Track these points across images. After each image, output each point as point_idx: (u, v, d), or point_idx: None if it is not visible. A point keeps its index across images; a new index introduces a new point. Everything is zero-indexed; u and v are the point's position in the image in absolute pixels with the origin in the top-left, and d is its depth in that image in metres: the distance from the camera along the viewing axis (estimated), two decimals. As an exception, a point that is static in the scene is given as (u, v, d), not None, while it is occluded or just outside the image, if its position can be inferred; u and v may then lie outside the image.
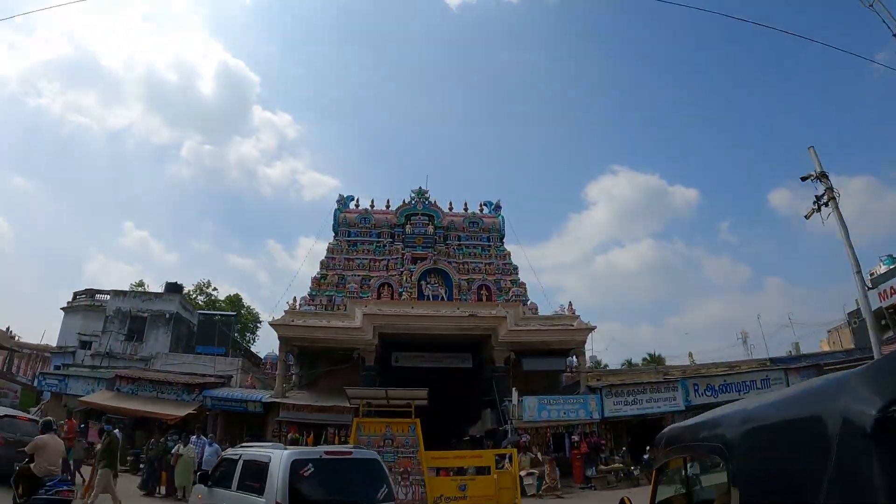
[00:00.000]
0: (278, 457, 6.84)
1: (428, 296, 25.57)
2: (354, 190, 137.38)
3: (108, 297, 31.28)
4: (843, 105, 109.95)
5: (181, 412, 22.94)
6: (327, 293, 31.13)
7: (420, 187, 38.69)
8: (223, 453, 11.02)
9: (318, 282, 35.38)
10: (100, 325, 30.46)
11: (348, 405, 22.63)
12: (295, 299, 25.17)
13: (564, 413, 23.59)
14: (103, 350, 29.43)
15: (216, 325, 28.47)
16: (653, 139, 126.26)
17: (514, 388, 23.03)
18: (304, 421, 22.63)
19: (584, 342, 25.53)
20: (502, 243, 33.48)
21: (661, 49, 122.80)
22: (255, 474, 7.13)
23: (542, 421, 23.18)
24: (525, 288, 29.20)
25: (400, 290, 26.98)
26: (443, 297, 25.77)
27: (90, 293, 32.61)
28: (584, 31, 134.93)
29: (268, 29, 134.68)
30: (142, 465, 19.01)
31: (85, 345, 30.90)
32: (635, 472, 21.52)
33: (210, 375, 25.07)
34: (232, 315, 29.68)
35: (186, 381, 24.45)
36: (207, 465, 15.03)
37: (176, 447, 16.42)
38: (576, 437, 23.22)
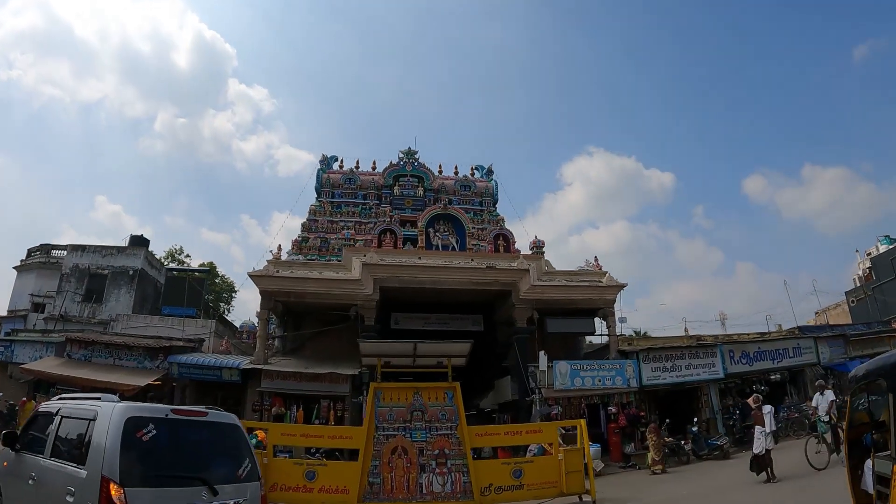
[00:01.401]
0: (108, 412, 4.71)
1: (437, 245, 20.16)
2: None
3: (65, 252, 25.12)
4: (819, 95, 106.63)
5: (141, 381, 17.35)
6: (310, 257, 25.81)
7: (409, 148, 33.46)
8: (39, 406, 7.44)
9: (299, 245, 29.84)
10: (55, 285, 24.35)
11: (346, 372, 17.30)
12: (280, 248, 19.49)
13: (600, 381, 18.68)
14: (57, 312, 23.36)
15: (186, 283, 22.70)
16: (629, 122, 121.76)
17: (542, 352, 17.89)
18: (292, 391, 17.28)
19: (614, 301, 20.51)
20: (495, 208, 28.39)
21: (640, 33, 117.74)
22: (76, 436, 4.94)
23: (575, 389, 18.23)
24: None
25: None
26: (454, 248, 20.38)
27: (45, 249, 26.45)
28: (563, 12, 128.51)
29: (246, 0, 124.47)
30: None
31: (38, 307, 24.86)
32: (686, 447, 16.62)
33: (177, 339, 19.36)
34: (205, 271, 23.94)
35: (148, 345, 18.74)
36: None
37: None
38: (613, 409, 18.43)
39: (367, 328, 18.09)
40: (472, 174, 33.60)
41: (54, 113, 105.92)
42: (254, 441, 11.96)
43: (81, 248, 24.75)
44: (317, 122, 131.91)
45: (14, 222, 79.75)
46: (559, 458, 10.78)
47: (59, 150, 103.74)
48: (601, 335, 20.83)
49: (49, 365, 19.33)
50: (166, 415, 4.98)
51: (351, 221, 27.71)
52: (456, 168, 34.08)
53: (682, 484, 12.83)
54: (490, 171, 33.74)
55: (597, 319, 20.84)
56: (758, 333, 24.09)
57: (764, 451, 10.96)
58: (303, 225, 31.16)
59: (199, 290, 22.46)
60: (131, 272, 23.99)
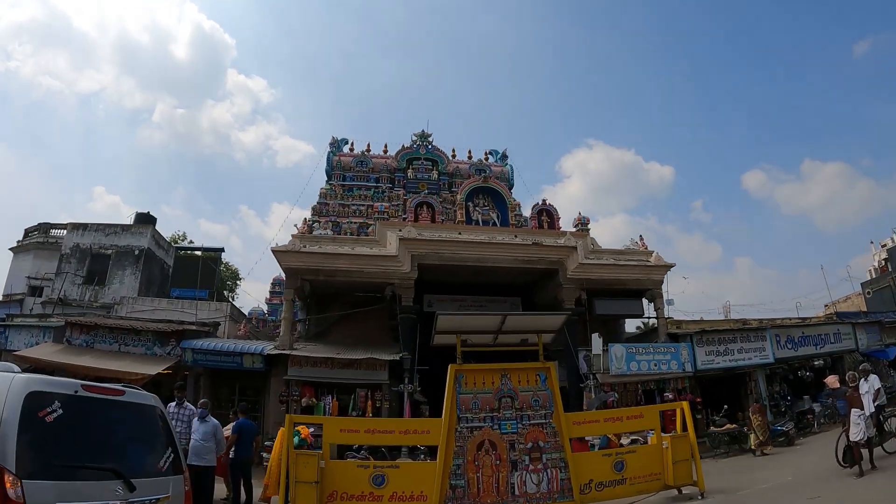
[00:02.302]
0: (5, 384, 3.53)
1: (477, 220, 17.43)
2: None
3: (65, 231, 21.87)
4: (819, 91, 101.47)
5: (151, 370, 14.41)
6: None
7: (423, 130, 30.62)
8: None
9: (309, 228, 26.98)
10: (54, 267, 21.14)
11: (384, 357, 14.56)
12: (305, 221, 16.62)
13: (655, 365, 16.26)
14: (56, 296, 20.20)
15: (198, 264, 19.66)
16: (629, 114, 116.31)
17: (595, 334, 15.35)
18: (324, 380, 14.48)
19: (661, 282, 18.01)
20: (511, 193, 25.80)
21: (640, 26, 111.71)
22: None
23: (631, 374, 15.78)
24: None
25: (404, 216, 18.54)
26: (495, 223, 17.67)
27: (44, 228, 23.16)
28: (562, 4, 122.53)
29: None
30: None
31: (35, 291, 21.65)
32: (749, 433, 14.27)
33: (190, 323, 16.37)
34: (218, 250, 20.89)
35: (158, 329, 15.76)
36: (199, 452, 7.78)
37: None
38: (670, 395, 15.99)
39: (405, 309, 15.34)
40: (486, 158, 31.08)
41: (52, 104, 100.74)
42: (296, 439, 9.26)
43: (83, 227, 21.55)
44: (315, 113, 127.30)
45: (11, 212, 75.14)
46: (663, 445, 8.70)
47: (58, 141, 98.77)
48: (649, 318, 18.33)
49: (46, 352, 16.29)
50: (75, 391, 3.89)
51: (363, 205, 25.10)
52: (469, 152, 31.30)
53: (776, 470, 10.69)
54: (504, 156, 31.13)
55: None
56: (799, 318, 22.02)
57: (865, 439, 8.65)
58: (313, 208, 28.26)
59: (213, 269, 19.45)
60: (137, 252, 20.86)
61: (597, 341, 15.78)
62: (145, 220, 21.86)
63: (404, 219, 17.58)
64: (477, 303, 18.11)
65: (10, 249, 23.04)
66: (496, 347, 9.29)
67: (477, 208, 17.42)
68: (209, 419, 8.19)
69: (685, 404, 9.57)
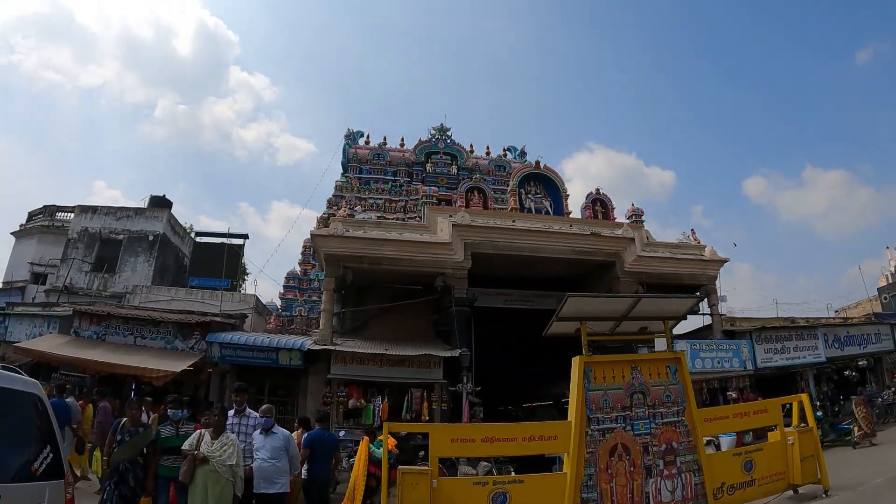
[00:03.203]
0: None
1: (530, 208, 15.22)
2: (330, 153, 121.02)
3: (73, 214, 19.04)
4: (821, 98, 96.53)
5: (175, 366, 11.89)
6: None
7: (441, 124, 28.42)
8: None
9: (325, 222, 24.50)
10: (59, 252, 18.31)
11: (443, 354, 12.28)
12: (346, 204, 14.23)
13: (718, 362, 14.36)
14: (62, 283, 17.41)
15: (219, 252, 17.03)
16: (631, 119, 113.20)
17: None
18: (373, 379, 12.05)
19: (716, 277, 16.07)
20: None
21: (643, 32, 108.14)
22: None
23: (695, 372, 13.67)
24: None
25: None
26: (547, 212, 15.51)
27: (49, 211, 20.26)
28: (565, 8, 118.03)
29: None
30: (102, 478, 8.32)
31: (38, 278, 18.82)
32: (852, 425, 12.51)
33: (214, 314, 13.83)
34: (241, 237, 18.23)
35: (180, 320, 13.20)
36: (268, 476, 5.69)
37: (186, 436, 5.64)
38: (733, 394, 14.24)
39: (458, 301, 13.05)
40: (504, 155, 29.03)
41: (54, 98, 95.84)
42: (377, 452, 6.99)
43: (92, 210, 18.76)
44: (316, 112, 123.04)
45: (11, 204, 70.57)
46: (789, 441, 7.29)
47: (59, 135, 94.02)
48: (703, 314, 16.33)
49: (51, 344, 13.60)
50: None
51: (380, 199, 22.96)
52: (487, 148, 29.23)
53: (877, 465, 9.07)
54: (523, 153, 29.13)
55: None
56: (840, 318, 20.48)
57: None
58: (328, 201, 25.90)
59: (238, 253, 16.81)
60: (151, 237, 18.16)
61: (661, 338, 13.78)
62: (160, 203, 19.19)
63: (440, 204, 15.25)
64: (524, 297, 15.91)
65: (11, 234, 20.15)
66: (616, 336, 7.73)
67: (529, 196, 15.23)
68: (277, 430, 5.88)
69: (804, 396, 8.18)
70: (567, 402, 16.08)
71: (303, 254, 24.45)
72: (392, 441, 7.47)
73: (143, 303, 16.30)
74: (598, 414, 6.31)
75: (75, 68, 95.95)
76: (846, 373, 17.37)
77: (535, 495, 6.00)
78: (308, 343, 12.26)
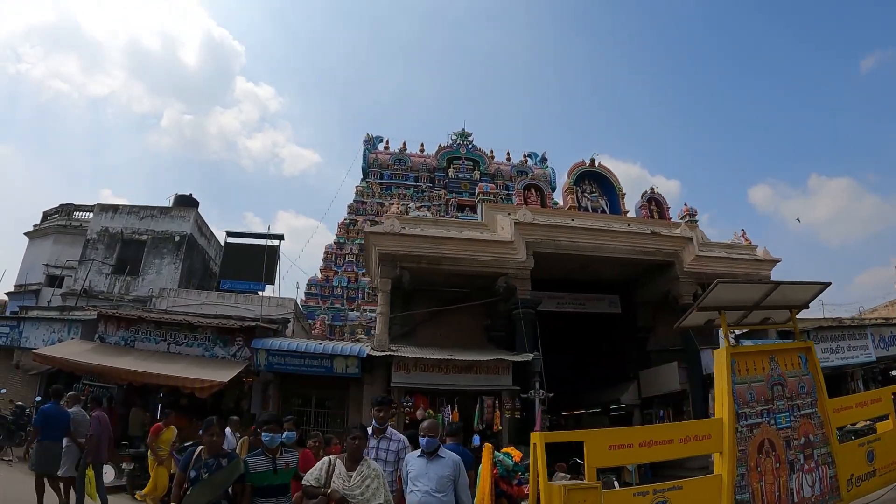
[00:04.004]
0: None
1: (586, 207, 13.86)
2: (333, 164, 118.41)
3: (91, 213, 17.11)
4: (826, 105, 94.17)
5: (222, 375, 10.15)
6: (359, 241, 19.41)
7: (463, 129, 27.33)
8: None
9: (346, 228, 23.17)
10: (77, 253, 16.37)
11: (513, 358, 10.75)
12: (397, 201, 12.72)
13: (776, 362, 12.86)
14: (80, 286, 15.48)
15: (253, 254, 15.27)
16: (636, 129, 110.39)
17: (722, 332, 11.94)
18: (436, 386, 10.46)
19: (769, 277, 14.84)
20: (553, 196, 22.86)
21: (647, 42, 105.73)
22: None
23: (757, 373, 12.26)
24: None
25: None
26: (604, 210, 14.17)
27: (66, 210, 18.27)
28: (568, 19, 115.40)
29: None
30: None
31: (54, 280, 16.83)
32: None
33: (249, 320, 12.08)
34: (277, 237, 16.42)
35: (221, 325, 11.45)
36: None
37: (288, 471, 3.83)
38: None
39: (524, 303, 11.53)
40: (525, 161, 27.84)
41: (62, 107, 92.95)
42: (507, 462, 5.47)
43: (113, 209, 16.86)
44: (321, 122, 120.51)
45: (18, 213, 67.22)
46: None
47: (66, 144, 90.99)
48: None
49: (73, 350, 11.73)
50: None
51: (403, 204, 21.56)
52: (508, 154, 28.13)
53: None
54: (544, 159, 28.08)
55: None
56: (883, 318, 19.50)
57: None
58: (349, 206, 24.45)
59: (273, 256, 15.08)
60: (178, 238, 16.30)
61: (726, 339, 12.47)
62: (186, 202, 17.35)
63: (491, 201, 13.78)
64: (575, 300, 14.49)
65: (25, 234, 18.09)
66: (742, 326, 6.95)
67: (585, 194, 13.87)
68: (444, 454, 4.07)
69: None
70: (618, 409, 14.60)
71: (324, 260, 22.80)
72: (518, 453, 6.02)
73: (171, 307, 14.45)
74: (745, 409, 5.60)
75: (83, 77, 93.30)
76: (892, 372, 16.36)
77: (692, 501, 5.12)
78: (367, 349, 10.62)
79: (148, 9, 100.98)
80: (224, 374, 10.16)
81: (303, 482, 3.68)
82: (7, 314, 15.94)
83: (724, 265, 14.23)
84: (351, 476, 3.55)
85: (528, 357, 10.45)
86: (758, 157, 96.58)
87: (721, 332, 6.43)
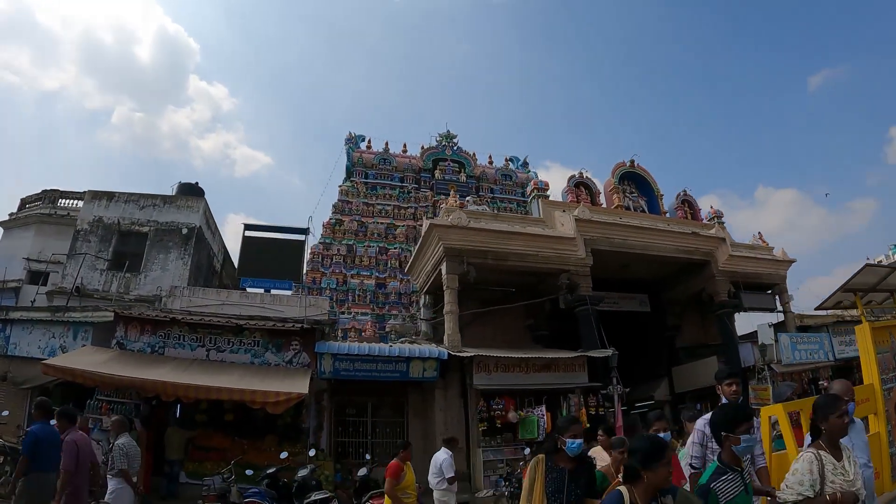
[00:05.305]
0: None
1: (627, 206, 13.91)
2: (287, 166, 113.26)
3: (82, 201, 14.87)
4: (774, 120, 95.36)
5: (297, 386, 9.09)
6: (346, 242, 18.78)
7: (448, 130, 26.92)
8: None
9: (332, 228, 22.04)
10: (64, 247, 14.22)
11: (592, 355, 10.57)
12: (454, 192, 12.14)
13: (809, 354, 13.85)
14: (70, 284, 13.48)
15: (276, 248, 13.90)
16: (582, 135, 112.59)
17: (767, 324, 12.75)
18: (519, 387, 10.05)
19: (786, 277, 15.75)
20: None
21: (604, 56, 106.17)
22: None
23: (795, 364, 13.18)
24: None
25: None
26: (643, 211, 14.30)
27: (50, 197, 15.65)
28: (523, 31, 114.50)
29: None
30: None
31: (37, 277, 14.43)
32: None
33: (295, 320, 11.04)
34: (301, 231, 14.93)
35: (276, 328, 10.37)
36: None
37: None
38: (824, 383, 13.83)
39: (579, 299, 11.34)
40: (506, 165, 27.71)
41: (11, 100, 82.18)
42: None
43: (107, 196, 14.57)
44: (274, 124, 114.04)
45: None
46: None
47: (13, 138, 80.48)
48: (777, 311, 15.90)
49: (92, 360, 10.01)
50: None
51: (389, 205, 21.26)
52: (490, 157, 27.80)
53: None
54: (526, 163, 27.99)
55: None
56: None
57: None
58: (334, 206, 23.22)
59: (298, 252, 13.62)
60: (185, 230, 14.39)
61: (766, 331, 13.07)
62: (191, 191, 15.41)
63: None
64: (610, 299, 14.45)
65: None
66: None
67: (626, 194, 13.93)
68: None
69: None
70: (642, 406, 14.93)
71: (311, 261, 21.43)
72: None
73: (186, 307, 12.88)
74: (883, 375, 6.10)
75: (34, 70, 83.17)
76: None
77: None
78: (442, 350, 9.99)
79: (103, 1, 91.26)
80: (297, 385, 9.02)
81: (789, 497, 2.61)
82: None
83: (751, 264, 14.83)
84: (844, 466, 2.66)
85: (608, 352, 10.28)
86: (707, 169, 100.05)
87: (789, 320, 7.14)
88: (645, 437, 2.59)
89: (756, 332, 13.65)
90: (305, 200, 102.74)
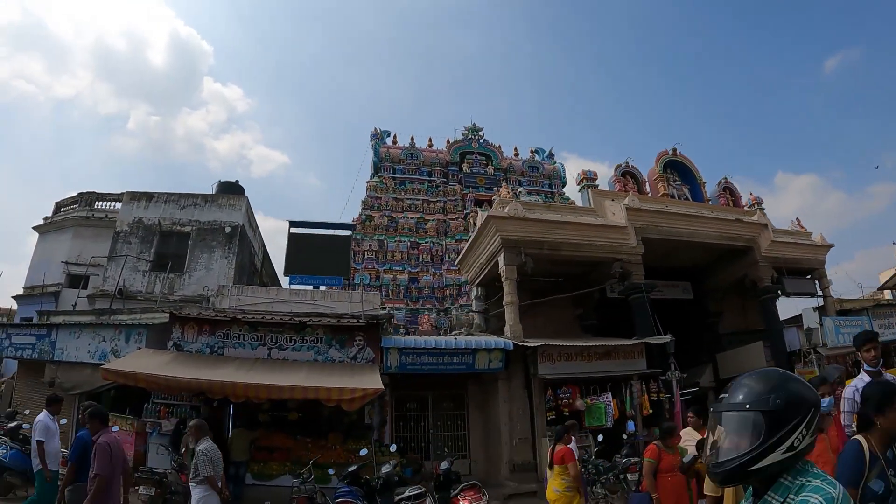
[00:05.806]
0: None
1: (671, 194, 13.90)
2: (304, 165, 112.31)
3: (119, 203, 14.73)
4: (792, 105, 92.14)
5: (370, 382, 9.05)
6: (377, 237, 18.90)
7: (474, 123, 26.79)
8: None
9: (362, 224, 22.05)
10: (104, 249, 14.11)
11: (652, 341, 10.59)
12: (506, 185, 12.08)
13: (850, 338, 13.87)
14: (112, 287, 13.38)
15: (323, 245, 13.84)
16: (600, 128, 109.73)
17: (812, 308, 12.85)
18: (583, 375, 10.07)
19: (824, 262, 15.79)
20: (563, 192, 23.40)
21: (612, 42, 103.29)
22: None
23: (839, 347, 13.27)
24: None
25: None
26: (687, 198, 14.30)
27: (86, 199, 15.43)
28: (529, 24, 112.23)
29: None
30: None
31: (77, 280, 14.30)
32: None
33: (353, 315, 11.02)
34: (348, 227, 14.86)
35: (340, 324, 10.34)
36: None
37: None
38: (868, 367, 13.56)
39: (632, 288, 11.35)
40: (533, 157, 27.71)
41: (26, 107, 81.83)
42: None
43: (146, 197, 14.40)
44: (290, 123, 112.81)
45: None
46: None
47: (30, 146, 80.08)
48: (817, 296, 15.98)
49: (151, 363, 9.87)
50: None
51: (418, 200, 21.17)
52: (516, 149, 27.72)
53: None
54: (551, 155, 28.02)
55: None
56: None
57: None
58: (363, 202, 23.23)
59: (346, 248, 13.46)
60: (228, 229, 14.26)
61: (811, 315, 13.14)
62: (232, 189, 15.25)
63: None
64: (653, 286, 14.57)
65: (34, 228, 15.10)
66: None
67: (669, 182, 13.92)
68: None
69: None
70: (686, 393, 14.93)
71: None
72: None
73: (236, 307, 12.82)
74: None
75: (48, 78, 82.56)
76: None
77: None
78: (511, 341, 9.98)
79: (114, 8, 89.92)
80: (368, 381, 8.98)
81: None
82: (17, 321, 13.48)
83: (792, 250, 14.82)
84: None
85: (666, 339, 10.29)
86: (727, 155, 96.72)
87: None
88: (877, 384, 2.62)
89: (800, 316, 13.71)
90: (324, 198, 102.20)
